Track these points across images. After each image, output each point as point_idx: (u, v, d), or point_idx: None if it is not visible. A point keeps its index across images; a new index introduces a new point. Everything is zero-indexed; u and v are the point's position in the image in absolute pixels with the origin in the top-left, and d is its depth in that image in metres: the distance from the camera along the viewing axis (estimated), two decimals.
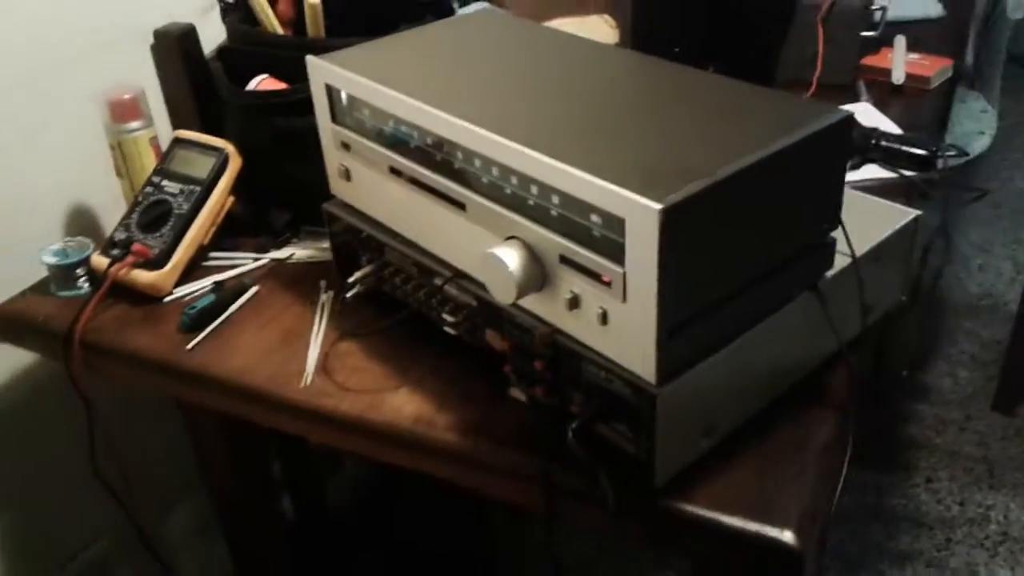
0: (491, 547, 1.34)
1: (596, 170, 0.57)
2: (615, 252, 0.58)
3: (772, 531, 0.62)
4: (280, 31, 0.97)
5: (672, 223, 0.54)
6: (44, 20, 1.01)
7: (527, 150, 0.61)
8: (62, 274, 0.91)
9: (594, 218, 0.59)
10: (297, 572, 1.39)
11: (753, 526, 0.63)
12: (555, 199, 0.61)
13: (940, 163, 1.00)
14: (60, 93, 1.04)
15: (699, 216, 0.56)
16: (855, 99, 1.19)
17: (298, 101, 0.87)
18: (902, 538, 1.56)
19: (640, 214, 0.54)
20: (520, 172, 0.63)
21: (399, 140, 0.74)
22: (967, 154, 1.05)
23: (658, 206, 0.53)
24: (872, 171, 1.01)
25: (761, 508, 0.64)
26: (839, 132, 0.64)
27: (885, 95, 1.21)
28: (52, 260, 0.91)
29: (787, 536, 0.62)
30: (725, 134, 0.62)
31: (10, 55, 0.99)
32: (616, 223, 0.57)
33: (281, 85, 0.93)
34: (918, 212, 0.79)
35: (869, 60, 1.26)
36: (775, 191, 0.62)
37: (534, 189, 0.63)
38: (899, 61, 1.22)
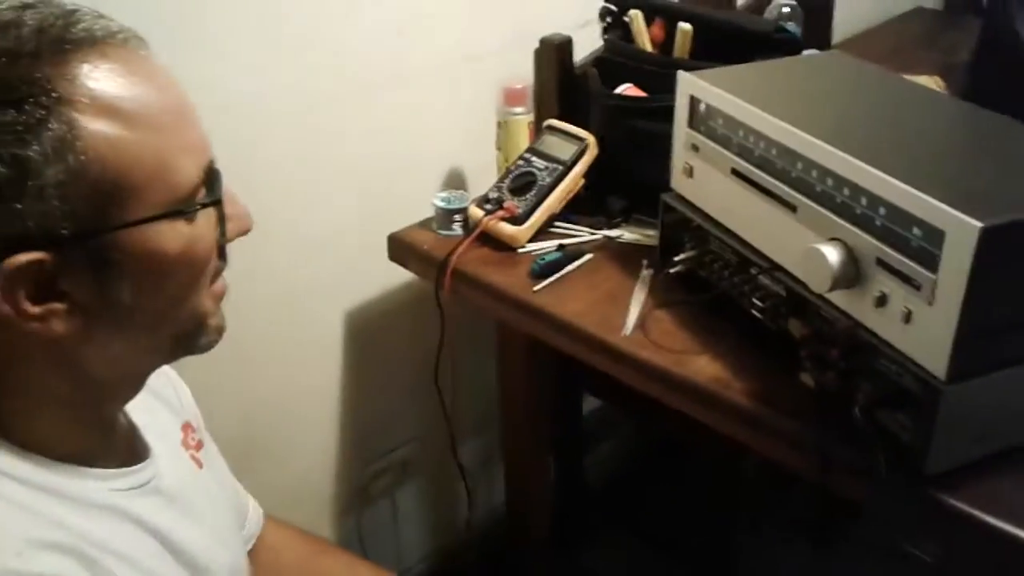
0: (726, 543, 1.44)
1: (925, 187, 0.69)
2: (929, 261, 0.69)
3: None
4: (650, 49, 1.15)
5: (988, 241, 0.64)
6: (465, 24, 1.27)
7: (863, 164, 0.74)
8: (445, 216, 1.15)
9: (915, 230, 0.70)
10: (552, 527, 1.56)
11: (1010, 528, 0.70)
12: (881, 210, 0.73)
13: None
14: (466, 80, 1.31)
15: (1013, 241, 0.66)
16: None
17: (656, 108, 1.05)
18: None
19: (961, 229, 0.65)
20: (854, 183, 0.75)
21: (745, 148, 0.89)
22: None
23: (979, 224, 0.64)
24: None
25: (1018, 514, 0.71)
26: None
27: None
28: (440, 204, 1.15)
29: None
30: None
31: (434, 50, 1.26)
32: (936, 236, 0.68)
33: (642, 94, 1.11)
34: None
35: None
36: None
37: (863, 199, 0.75)
38: None
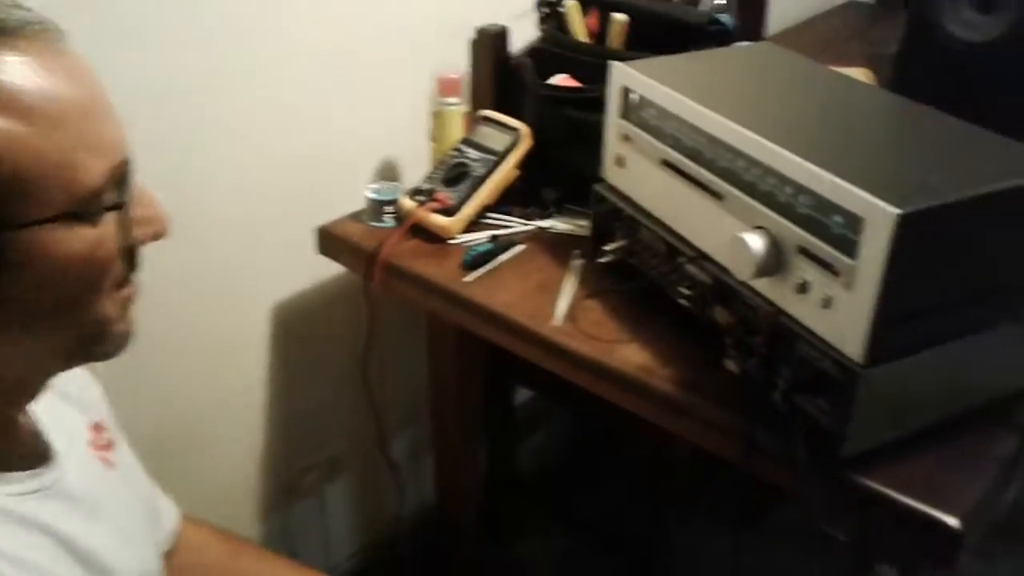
0: (658, 530, 1.46)
1: (846, 176, 0.71)
2: (849, 248, 0.71)
3: (939, 514, 0.72)
4: (585, 40, 1.16)
5: (905, 228, 0.66)
6: (399, 13, 1.26)
7: (788, 153, 0.76)
8: (376, 208, 1.14)
9: (835, 218, 0.72)
10: (482, 519, 1.56)
11: (923, 507, 0.73)
12: (804, 198, 0.75)
13: None
14: (401, 70, 1.29)
15: (930, 228, 0.68)
16: None
17: (589, 99, 1.06)
18: None
19: (879, 216, 0.67)
20: (777, 171, 0.77)
21: (675, 138, 0.90)
22: None
23: (897, 211, 0.66)
24: None
25: (932, 494, 0.74)
26: None
27: None
28: (372, 195, 1.14)
29: (952, 521, 0.72)
30: (966, 165, 0.74)
31: (367, 38, 1.24)
32: (856, 222, 0.69)
33: (577, 84, 1.12)
34: None
35: None
36: (999, 223, 0.72)
37: (787, 188, 0.77)
38: None
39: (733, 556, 1.61)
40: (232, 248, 1.19)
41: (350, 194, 1.17)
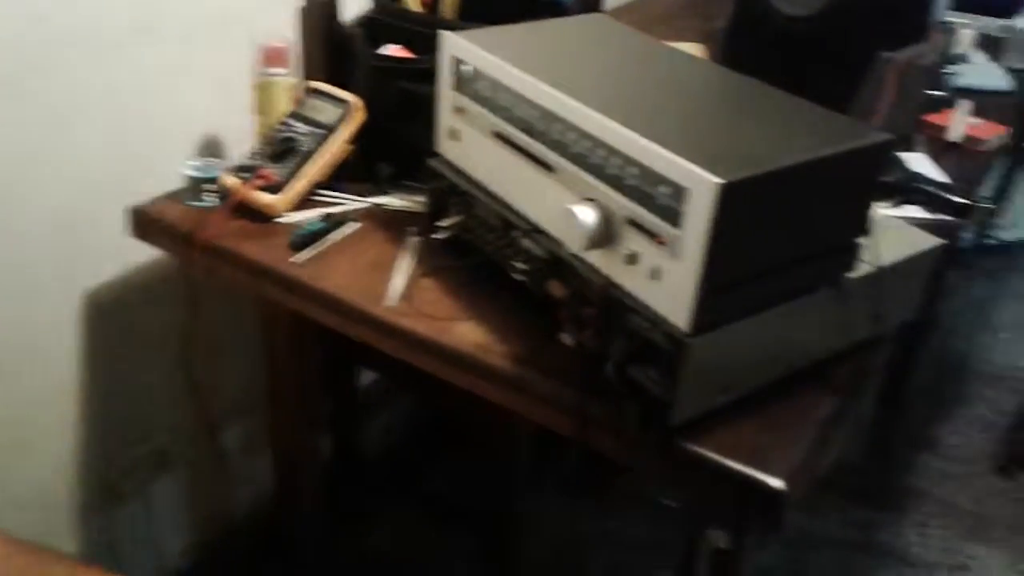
0: (507, 508, 1.47)
1: (672, 147, 0.71)
2: (674, 218, 0.71)
3: (764, 476, 0.74)
4: (418, 9, 1.12)
5: (727, 197, 0.67)
6: None
7: (613, 123, 0.75)
8: (196, 186, 1.07)
9: (661, 188, 0.72)
10: (327, 506, 1.52)
11: (749, 470, 0.75)
12: (632, 169, 0.75)
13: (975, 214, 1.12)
14: (223, 38, 1.21)
15: (751, 196, 0.69)
16: (910, 149, 1.30)
17: (423, 70, 1.02)
18: (883, 572, 1.65)
19: (702, 186, 0.67)
20: (604, 142, 0.76)
21: (507, 110, 0.88)
22: (996, 208, 1.16)
23: (719, 181, 0.66)
24: (911, 211, 1.13)
25: (758, 457, 0.76)
26: (880, 151, 0.77)
27: (940, 150, 1.33)
28: (191, 172, 1.06)
29: (776, 482, 0.74)
30: (786, 135, 0.75)
31: (184, 4, 1.15)
32: (680, 193, 0.70)
33: (410, 55, 1.08)
34: (942, 241, 0.90)
35: (931, 117, 1.38)
36: (818, 190, 0.74)
37: (614, 159, 0.76)
38: (959, 121, 1.33)
39: (574, 526, 1.65)
40: (35, 234, 1.08)
41: (172, 173, 1.09)
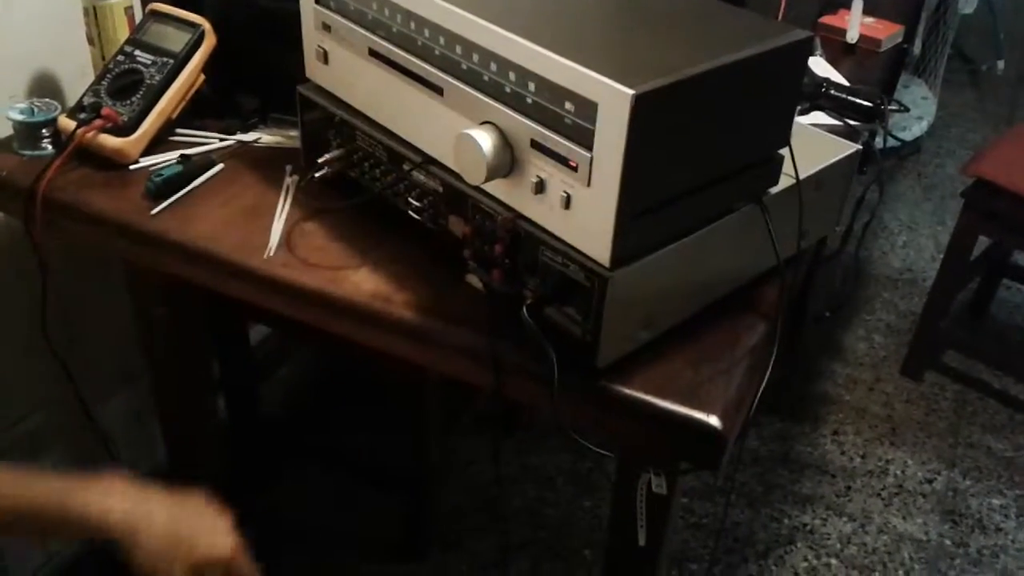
0: (421, 457, 1.39)
1: (576, 57, 0.61)
2: (585, 139, 0.62)
3: (700, 415, 0.68)
4: None
5: (642, 110, 0.58)
6: None
7: (509, 34, 0.65)
8: (27, 132, 0.91)
9: (568, 105, 0.63)
10: (227, 471, 1.41)
11: (683, 410, 0.68)
12: (531, 86, 0.65)
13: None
14: None
15: (667, 108, 0.61)
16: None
17: None
18: (805, 483, 1.66)
19: (613, 99, 0.58)
20: (500, 56, 0.66)
21: (381, 23, 0.76)
22: (907, 108, 1.12)
23: (631, 92, 0.57)
24: (820, 118, 1.07)
25: (691, 395, 0.69)
26: (800, 50, 0.69)
27: (838, 53, 1.28)
28: (18, 117, 0.91)
29: (713, 420, 0.68)
30: (699, 39, 0.67)
31: None
32: (589, 109, 0.61)
33: None
34: (858, 146, 0.85)
35: (826, 19, 1.33)
36: (737, 97, 0.67)
37: (512, 76, 0.66)
38: (855, 22, 1.28)
39: (495, 466, 1.59)
40: None
41: None
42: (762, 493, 1.63)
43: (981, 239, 1.76)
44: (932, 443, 1.77)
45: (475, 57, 0.69)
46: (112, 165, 0.91)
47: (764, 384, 0.74)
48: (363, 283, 0.79)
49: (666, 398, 0.69)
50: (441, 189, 0.77)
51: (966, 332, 2.05)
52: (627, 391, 0.70)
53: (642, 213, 0.64)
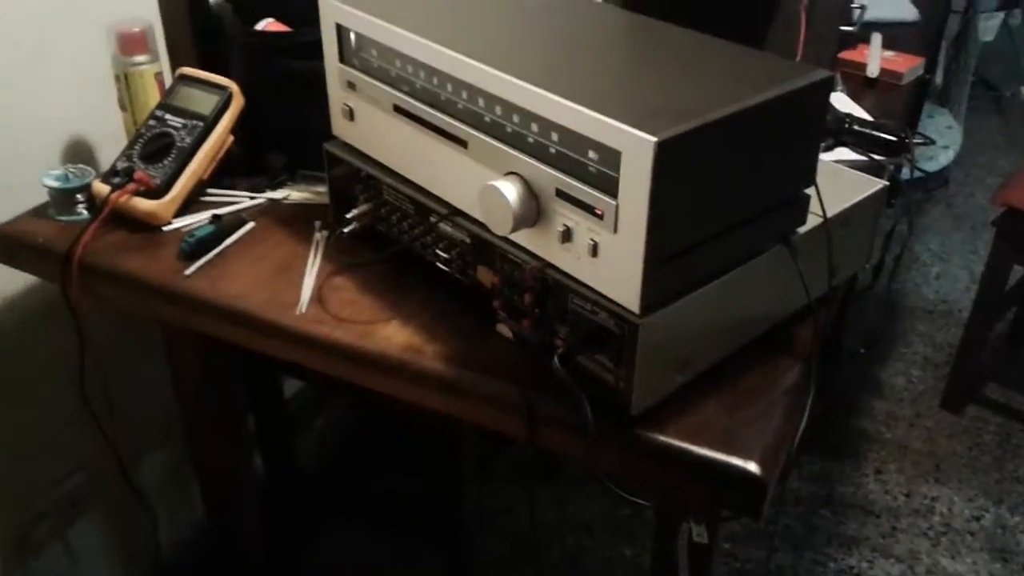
0: (458, 506, 1.38)
1: (596, 106, 0.62)
2: (609, 186, 0.62)
3: (738, 461, 0.67)
4: None
5: (665, 156, 0.58)
6: None
7: (531, 86, 0.65)
8: (63, 198, 0.93)
9: (591, 154, 0.63)
10: (266, 526, 1.41)
11: (721, 456, 0.67)
12: (554, 136, 0.65)
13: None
14: (70, 24, 1.06)
15: (690, 153, 0.61)
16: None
17: (304, 43, 0.91)
18: (849, 524, 1.62)
19: (636, 146, 0.59)
20: (523, 108, 0.67)
21: (405, 79, 0.78)
22: (932, 140, 1.11)
23: (653, 139, 0.58)
24: (844, 154, 1.07)
25: (728, 440, 0.68)
26: (821, 90, 0.69)
27: (859, 87, 1.28)
28: (54, 184, 0.93)
29: (751, 466, 0.66)
30: (718, 82, 0.67)
31: None
32: (612, 157, 0.61)
33: (287, 28, 0.96)
34: (885, 183, 0.84)
35: (846, 55, 1.33)
36: (759, 139, 0.66)
37: (534, 126, 0.67)
38: (875, 56, 1.28)
39: (530, 513, 1.57)
40: None
41: (35, 186, 0.95)
42: (805, 535, 1.59)
43: (1016, 268, 1.74)
44: (977, 479, 1.72)
45: (497, 109, 0.70)
46: (146, 227, 0.93)
47: (803, 426, 0.73)
48: (394, 336, 0.80)
49: (703, 444, 0.68)
50: (468, 240, 0.77)
51: (1005, 363, 2.01)
52: (663, 438, 0.69)
53: (670, 258, 0.64)
